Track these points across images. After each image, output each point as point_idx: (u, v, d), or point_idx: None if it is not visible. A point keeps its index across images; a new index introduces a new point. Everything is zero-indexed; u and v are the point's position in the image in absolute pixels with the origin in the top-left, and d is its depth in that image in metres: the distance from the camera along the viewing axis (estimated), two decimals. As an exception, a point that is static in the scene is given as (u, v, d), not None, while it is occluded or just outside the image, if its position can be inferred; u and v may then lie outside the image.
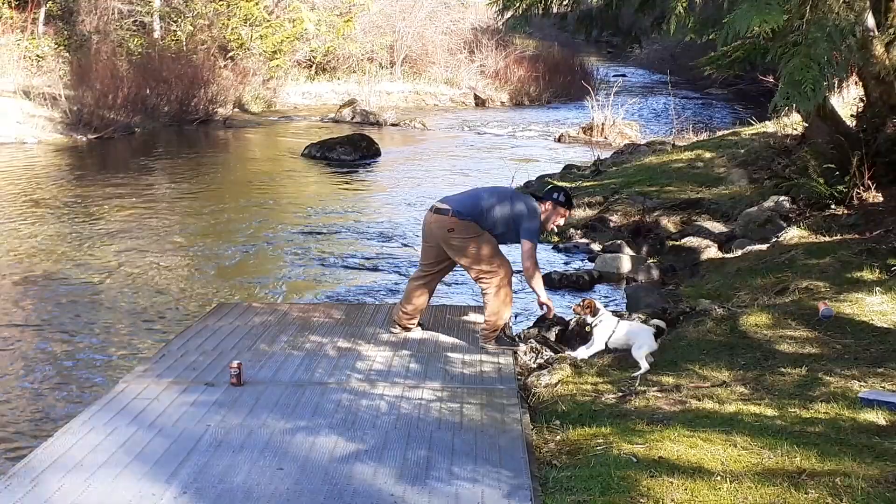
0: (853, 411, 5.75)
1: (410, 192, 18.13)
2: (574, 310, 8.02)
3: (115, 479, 5.08)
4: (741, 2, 7.46)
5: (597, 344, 7.56)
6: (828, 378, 6.40)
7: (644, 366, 7.05)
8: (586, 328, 7.86)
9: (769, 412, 5.86)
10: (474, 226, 7.52)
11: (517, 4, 13.78)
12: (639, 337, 7.35)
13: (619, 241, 12.65)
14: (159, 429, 5.81)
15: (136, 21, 31.87)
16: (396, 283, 11.42)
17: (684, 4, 8.69)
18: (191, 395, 6.43)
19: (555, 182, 16.09)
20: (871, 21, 10.52)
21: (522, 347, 7.84)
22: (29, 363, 8.58)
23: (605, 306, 7.96)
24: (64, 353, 8.85)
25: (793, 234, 10.65)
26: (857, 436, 5.36)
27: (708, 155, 16.95)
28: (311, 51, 36.11)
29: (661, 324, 7.63)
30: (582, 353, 7.56)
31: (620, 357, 7.43)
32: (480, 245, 7.52)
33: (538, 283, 7.62)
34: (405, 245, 13.48)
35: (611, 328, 7.52)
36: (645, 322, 7.81)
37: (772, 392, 6.25)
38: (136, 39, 31.06)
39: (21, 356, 8.75)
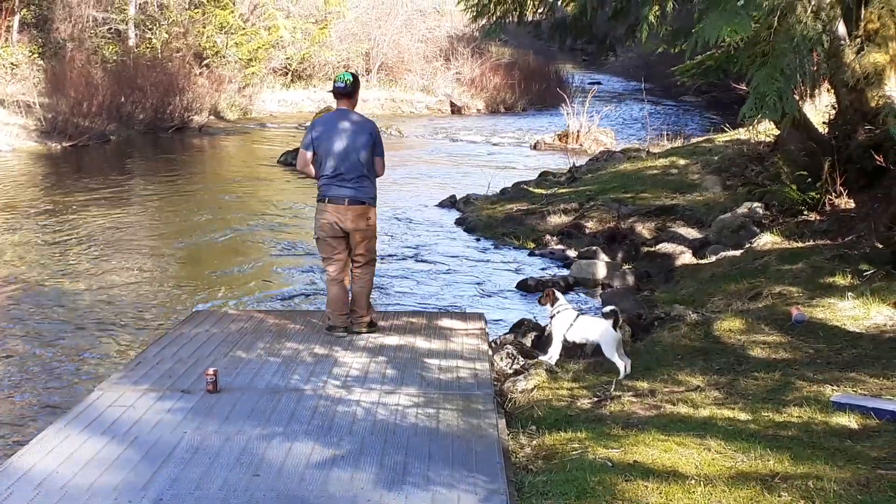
0: (826, 415, 5.81)
1: (387, 199, 18.11)
2: (539, 300, 7.98)
3: (90, 487, 5.05)
4: (710, 12, 7.53)
5: (556, 337, 7.52)
6: (800, 382, 6.46)
7: (622, 367, 7.04)
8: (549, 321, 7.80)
9: (743, 416, 5.91)
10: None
11: (491, 11, 13.84)
12: (602, 335, 7.22)
13: (594, 248, 12.71)
14: (135, 436, 5.78)
15: (110, 29, 31.78)
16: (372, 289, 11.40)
17: (656, 14, 8.76)
18: (167, 402, 6.41)
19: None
20: (842, 29, 10.63)
21: (500, 355, 7.87)
22: (1, 371, 8.52)
23: (578, 309, 7.95)
24: (38, 361, 8.80)
25: (766, 240, 10.74)
26: (829, 439, 5.42)
27: (682, 162, 17.05)
28: (287, 58, 36.11)
29: (612, 307, 7.40)
30: (551, 354, 7.53)
31: (596, 362, 7.47)
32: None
33: None
34: (379, 249, 13.47)
35: (569, 321, 7.44)
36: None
37: (745, 396, 6.31)
38: (111, 47, 30.95)
39: (-5, 365, 8.70)
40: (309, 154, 7.86)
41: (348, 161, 7.74)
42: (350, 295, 8.12)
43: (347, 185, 7.77)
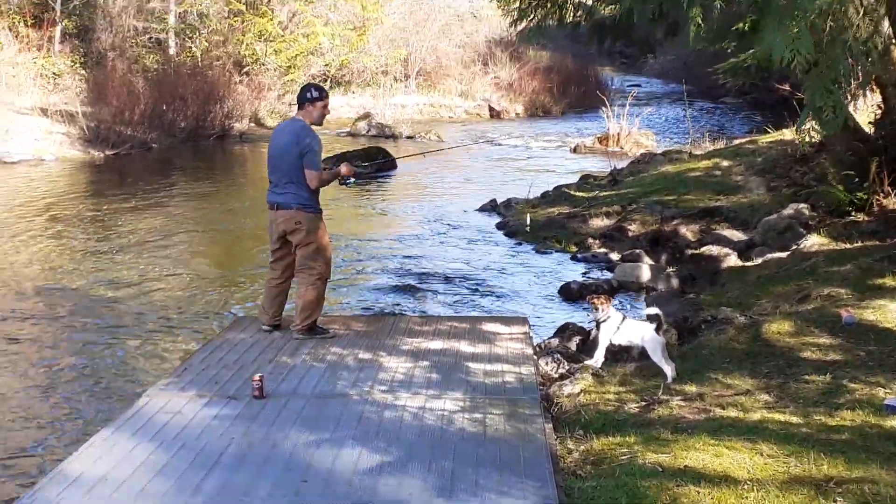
0: (879, 418, 5.72)
1: (427, 204, 18.13)
2: (588, 298, 7.91)
3: (139, 493, 5.08)
4: (764, 21, 7.42)
5: (602, 341, 7.46)
6: (852, 385, 6.36)
7: (669, 372, 6.97)
8: (595, 324, 7.75)
9: (794, 420, 5.82)
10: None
11: (531, 15, 13.81)
12: (646, 340, 7.18)
13: (637, 251, 12.62)
14: (182, 443, 5.80)
15: (151, 38, 32.06)
16: (415, 294, 11.43)
17: (700, 16, 8.68)
18: (213, 408, 6.43)
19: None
20: (887, 28, 10.48)
21: (545, 359, 7.82)
22: (53, 378, 8.60)
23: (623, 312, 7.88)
24: (86, 368, 8.87)
25: (813, 242, 10.61)
26: (883, 443, 5.33)
27: (725, 163, 16.91)
28: (326, 65, 36.22)
29: (655, 310, 7.34)
30: (596, 358, 7.48)
31: (643, 366, 7.39)
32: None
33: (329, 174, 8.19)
34: (422, 255, 13.48)
35: (615, 325, 7.39)
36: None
37: (796, 400, 6.22)
38: (151, 56, 31.23)
39: (44, 371, 8.78)
40: None
41: (278, 168, 7.98)
42: (281, 298, 8.41)
43: (276, 190, 8.02)
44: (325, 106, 8.16)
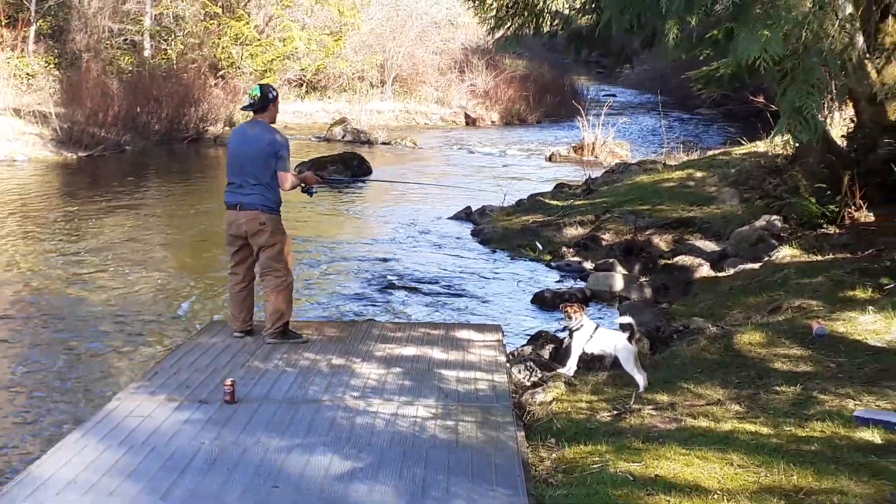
0: (849, 430, 5.75)
1: (402, 211, 18.12)
2: (562, 307, 7.92)
3: (108, 497, 5.03)
4: (739, 29, 7.48)
5: (575, 350, 7.48)
6: (823, 396, 6.40)
7: (641, 381, 6.99)
8: (568, 333, 7.76)
9: (765, 430, 5.85)
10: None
11: (508, 24, 13.84)
12: (619, 349, 7.17)
13: (611, 260, 12.66)
14: (152, 447, 5.76)
15: (126, 40, 31.93)
16: (389, 299, 11.42)
17: (677, 27, 8.73)
18: (184, 412, 6.39)
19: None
20: (861, 42, 10.59)
21: (518, 367, 7.83)
22: (21, 380, 8.52)
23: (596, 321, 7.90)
24: (56, 370, 8.79)
25: (785, 254, 10.68)
26: (853, 454, 5.36)
27: (699, 174, 16.99)
28: (302, 69, 36.21)
29: (627, 319, 7.31)
30: (569, 367, 7.50)
31: (615, 375, 7.42)
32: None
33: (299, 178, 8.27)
34: (396, 261, 13.47)
35: (588, 333, 7.41)
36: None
37: (767, 410, 6.25)
38: (126, 58, 31.10)
39: (12, 373, 8.69)
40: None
41: (245, 169, 7.90)
42: (248, 301, 8.36)
43: (240, 191, 7.94)
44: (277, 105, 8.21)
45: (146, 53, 32.05)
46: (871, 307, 8.21)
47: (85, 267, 12.81)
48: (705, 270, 11.51)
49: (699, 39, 11.57)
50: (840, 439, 5.63)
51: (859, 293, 8.78)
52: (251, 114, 8.08)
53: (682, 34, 9.53)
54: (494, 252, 14.46)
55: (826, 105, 7.86)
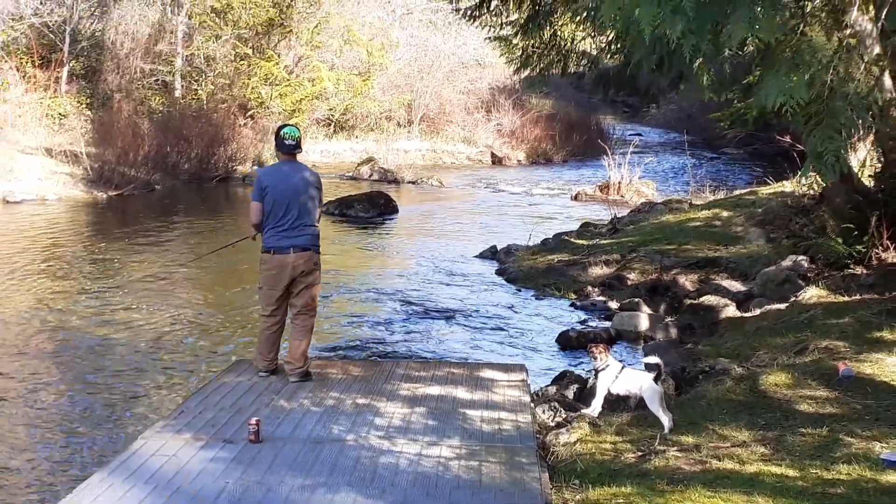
0: (875, 473, 5.71)
1: (428, 250, 18.17)
2: (588, 347, 7.92)
3: (133, 535, 5.07)
4: (766, 70, 7.50)
5: (600, 390, 7.48)
6: (849, 439, 6.35)
7: (666, 422, 6.96)
8: (593, 373, 7.76)
9: (790, 473, 5.81)
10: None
11: (534, 64, 13.95)
12: (644, 389, 7.16)
13: (636, 300, 12.63)
14: (177, 486, 5.80)
15: (158, 80, 32.33)
16: (413, 337, 11.44)
17: (707, 69, 8.77)
18: (209, 451, 6.42)
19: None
20: (888, 83, 10.57)
21: (542, 407, 7.82)
22: (48, 418, 8.59)
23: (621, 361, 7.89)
24: (82, 409, 8.87)
25: (812, 294, 10.62)
26: (879, 497, 5.32)
27: (725, 214, 16.97)
28: (330, 109, 36.48)
29: (655, 360, 7.33)
30: (594, 407, 7.49)
31: (639, 415, 7.39)
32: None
33: None
34: (420, 298, 13.50)
35: (614, 374, 7.42)
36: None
37: (792, 452, 6.21)
38: (157, 98, 31.50)
39: (41, 411, 8.78)
40: (260, 205, 8.04)
41: (293, 208, 7.93)
42: (279, 341, 8.38)
43: (292, 233, 7.96)
44: None
45: (177, 94, 32.45)
46: (898, 349, 8.16)
47: (112, 305, 12.92)
48: (731, 311, 11.46)
49: (732, 81, 11.60)
50: (867, 482, 5.58)
51: (886, 334, 8.72)
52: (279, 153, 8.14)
53: (714, 76, 9.56)
54: (520, 291, 14.47)
55: (853, 145, 7.84)
